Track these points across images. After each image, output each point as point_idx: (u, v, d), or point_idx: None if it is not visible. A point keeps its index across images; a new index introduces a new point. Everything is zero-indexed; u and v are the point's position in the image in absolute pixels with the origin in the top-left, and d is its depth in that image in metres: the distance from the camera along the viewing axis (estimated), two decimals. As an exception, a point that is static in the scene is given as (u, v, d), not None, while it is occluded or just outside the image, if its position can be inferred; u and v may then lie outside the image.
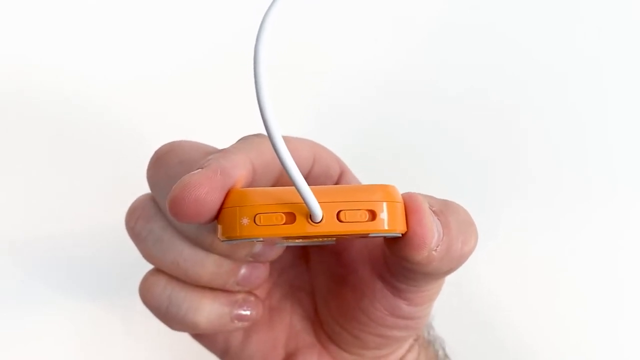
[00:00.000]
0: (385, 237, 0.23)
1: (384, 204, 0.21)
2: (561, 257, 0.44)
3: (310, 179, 0.27)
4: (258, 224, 0.20)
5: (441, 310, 0.30)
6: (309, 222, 0.20)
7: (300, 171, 0.25)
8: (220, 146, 0.26)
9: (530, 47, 0.47)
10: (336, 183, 0.28)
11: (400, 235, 0.22)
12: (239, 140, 0.25)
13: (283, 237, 0.22)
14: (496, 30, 0.47)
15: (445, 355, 0.32)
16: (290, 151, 0.25)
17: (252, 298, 0.27)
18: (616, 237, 0.44)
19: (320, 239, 0.24)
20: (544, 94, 0.47)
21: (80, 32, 0.45)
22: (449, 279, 0.25)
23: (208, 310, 0.26)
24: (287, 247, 0.28)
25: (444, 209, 0.23)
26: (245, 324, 0.27)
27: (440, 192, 0.24)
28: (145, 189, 0.29)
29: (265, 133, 0.25)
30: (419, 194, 0.23)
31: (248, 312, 0.27)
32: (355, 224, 0.21)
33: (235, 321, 0.27)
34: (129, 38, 0.46)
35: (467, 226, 0.23)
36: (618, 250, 0.44)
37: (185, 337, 0.31)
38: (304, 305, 0.30)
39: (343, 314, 0.28)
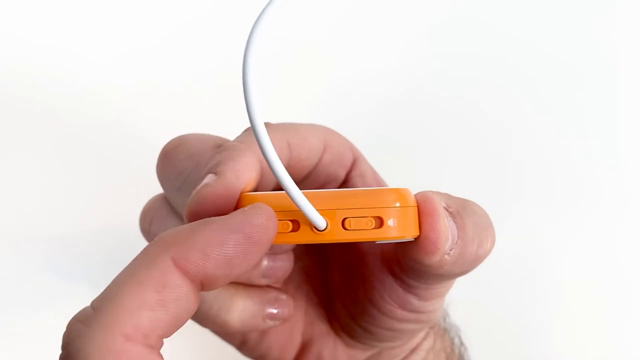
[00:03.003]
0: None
1: (392, 210, 0.20)
2: (568, 253, 0.44)
3: (320, 166, 0.26)
4: None
5: (456, 299, 0.30)
6: (313, 231, 0.20)
7: (310, 159, 0.25)
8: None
9: (533, 50, 0.47)
10: (350, 171, 0.28)
11: (413, 239, 0.21)
12: (244, 132, 0.25)
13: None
14: (496, 30, 0.48)
15: (461, 343, 0.32)
16: (299, 140, 0.25)
17: (284, 297, 0.27)
18: (621, 234, 0.45)
19: None
20: (549, 97, 0.47)
21: (89, 34, 0.45)
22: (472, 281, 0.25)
23: (241, 308, 0.25)
24: None
25: (461, 210, 0.22)
26: (277, 323, 0.27)
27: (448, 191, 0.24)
28: (151, 189, 0.29)
29: (270, 121, 0.24)
30: (436, 193, 0.22)
31: (280, 311, 0.27)
32: (361, 232, 0.20)
33: (267, 320, 0.26)
34: (137, 40, 0.45)
35: (484, 228, 0.22)
36: (626, 246, 0.45)
37: (195, 335, 0.31)
38: (319, 293, 0.29)
39: (354, 305, 0.27)
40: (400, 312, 0.26)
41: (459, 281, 0.26)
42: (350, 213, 0.20)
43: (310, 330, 0.29)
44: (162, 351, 0.19)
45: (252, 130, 0.24)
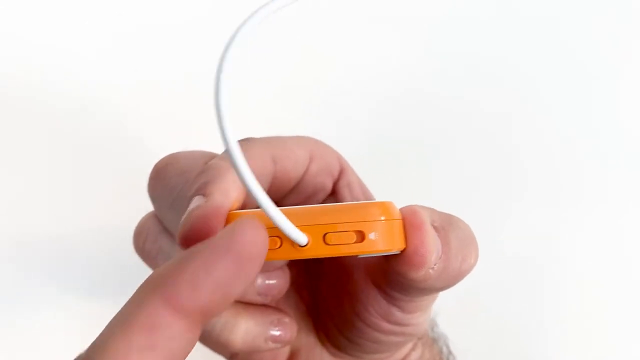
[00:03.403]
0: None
1: (376, 224, 0.20)
2: (562, 256, 0.44)
3: (308, 177, 0.26)
4: None
5: (444, 307, 0.31)
6: (294, 247, 0.20)
7: (296, 170, 0.25)
8: (220, 150, 0.26)
9: (534, 50, 0.47)
10: (337, 181, 0.28)
11: (399, 252, 0.21)
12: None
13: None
14: (496, 30, 0.48)
15: (450, 352, 0.32)
16: (284, 153, 0.25)
17: (287, 319, 0.27)
18: (623, 234, 0.45)
19: None
20: (550, 97, 0.47)
21: (89, 33, 0.45)
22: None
23: (244, 329, 0.25)
24: None
25: (446, 225, 0.22)
26: (279, 345, 0.26)
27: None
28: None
29: (252, 135, 0.25)
30: (422, 207, 0.22)
31: (282, 333, 0.26)
32: (342, 247, 0.20)
33: (269, 342, 0.26)
34: (137, 40, 0.46)
35: (468, 243, 0.22)
36: (628, 246, 0.45)
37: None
38: (306, 304, 0.29)
39: (339, 317, 0.27)
40: (384, 325, 0.26)
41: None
42: (331, 228, 0.20)
43: (298, 341, 0.29)
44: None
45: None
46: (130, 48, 0.45)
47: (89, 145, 0.44)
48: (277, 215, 0.19)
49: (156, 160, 0.28)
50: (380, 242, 0.20)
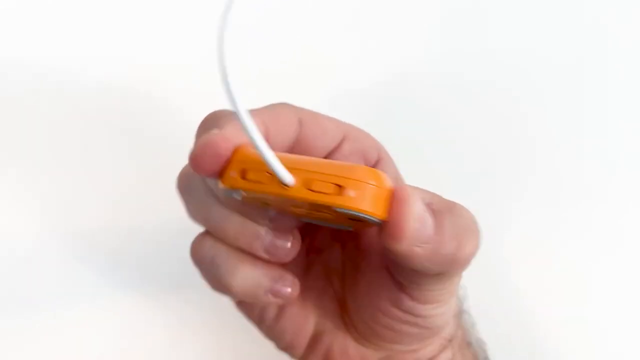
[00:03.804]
0: (375, 225, 0.23)
1: (358, 184, 0.21)
2: (587, 256, 0.43)
3: (338, 155, 0.27)
4: (242, 178, 0.22)
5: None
6: (280, 185, 0.22)
7: (324, 141, 0.27)
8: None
9: (538, 49, 0.47)
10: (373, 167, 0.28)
11: (380, 221, 0.22)
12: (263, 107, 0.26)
13: (271, 197, 0.22)
14: (498, 33, 0.47)
15: (486, 358, 0.31)
16: (313, 120, 0.27)
17: (290, 276, 0.27)
18: (628, 235, 0.44)
19: (336, 223, 0.25)
20: (556, 91, 0.46)
21: (101, 29, 0.45)
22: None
23: (244, 275, 0.26)
24: (325, 227, 0.29)
25: (444, 210, 0.22)
26: (279, 300, 0.27)
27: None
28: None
29: (291, 103, 0.26)
30: (420, 189, 0.23)
31: (283, 289, 0.27)
32: (321, 195, 0.21)
33: (270, 295, 0.27)
34: (172, 22, 0.45)
35: (466, 231, 0.22)
36: (622, 249, 0.44)
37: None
38: (335, 287, 0.30)
39: (358, 300, 0.28)
40: (393, 311, 0.26)
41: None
42: (316, 176, 0.21)
43: (323, 322, 0.29)
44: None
45: (272, 104, 0.26)
46: (168, 29, 0.45)
47: (90, 145, 0.43)
48: (267, 152, 0.21)
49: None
50: (359, 201, 0.21)
